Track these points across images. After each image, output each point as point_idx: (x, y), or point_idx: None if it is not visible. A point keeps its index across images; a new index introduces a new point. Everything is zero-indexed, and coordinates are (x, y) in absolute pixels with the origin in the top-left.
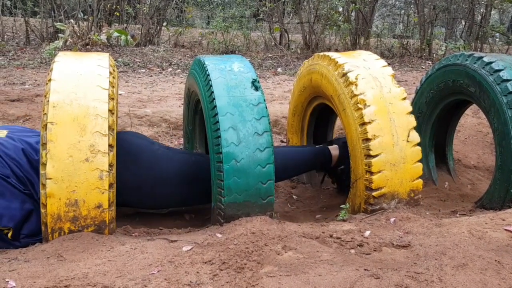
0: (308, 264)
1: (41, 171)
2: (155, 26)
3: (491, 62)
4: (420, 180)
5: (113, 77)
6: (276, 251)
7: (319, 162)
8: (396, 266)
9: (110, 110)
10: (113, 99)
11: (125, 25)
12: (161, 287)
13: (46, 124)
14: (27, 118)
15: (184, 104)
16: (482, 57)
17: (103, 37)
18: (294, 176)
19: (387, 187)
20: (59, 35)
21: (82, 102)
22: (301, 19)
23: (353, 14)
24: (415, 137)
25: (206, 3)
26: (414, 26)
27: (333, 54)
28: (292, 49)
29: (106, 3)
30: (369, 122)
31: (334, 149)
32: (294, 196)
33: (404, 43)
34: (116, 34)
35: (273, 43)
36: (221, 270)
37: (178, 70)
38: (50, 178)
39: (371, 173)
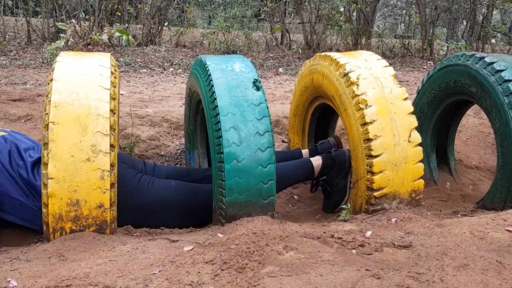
0: (310, 264)
1: (43, 171)
2: (156, 26)
3: (492, 63)
4: (422, 181)
5: (115, 77)
6: (277, 251)
7: (302, 176)
8: (397, 267)
9: (111, 110)
10: (114, 99)
11: (126, 25)
12: (163, 287)
13: (48, 124)
14: (29, 118)
15: (186, 104)
16: (483, 58)
17: (105, 37)
18: (277, 192)
19: (388, 187)
20: (61, 35)
21: (84, 102)
22: (303, 19)
23: (354, 14)
24: (417, 137)
25: (208, 3)
26: (415, 26)
27: (334, 54)
28: (294, 49)
29: (108, 3)
30: (371, 122)
31: (316, 161)
32: (295, 196)
33: (406, 43)
34: (117, 34)
35: (274, 43)
36: (222, 270)
37: (180, 70)
38: (51, 178)
39: (373, 173)
